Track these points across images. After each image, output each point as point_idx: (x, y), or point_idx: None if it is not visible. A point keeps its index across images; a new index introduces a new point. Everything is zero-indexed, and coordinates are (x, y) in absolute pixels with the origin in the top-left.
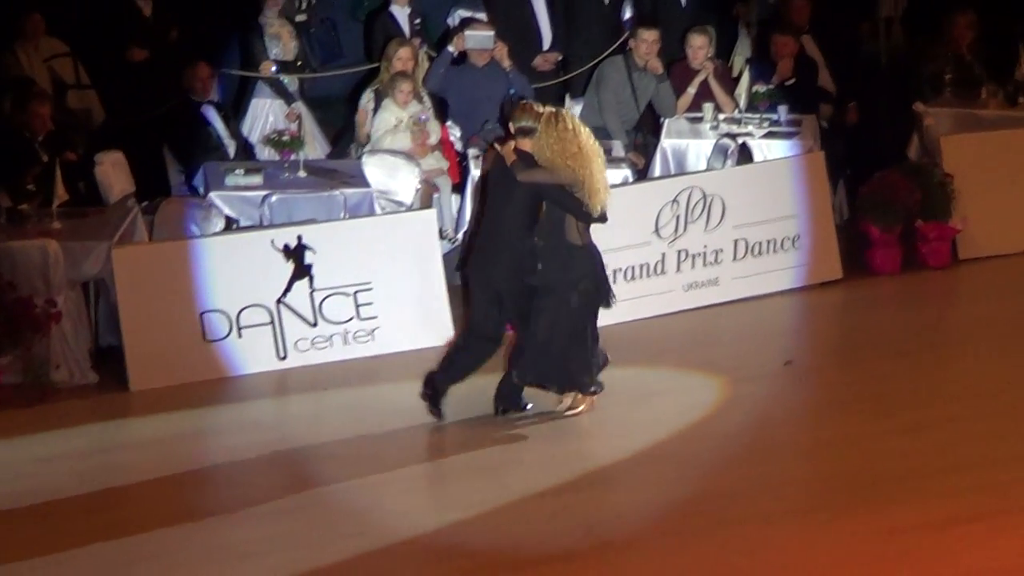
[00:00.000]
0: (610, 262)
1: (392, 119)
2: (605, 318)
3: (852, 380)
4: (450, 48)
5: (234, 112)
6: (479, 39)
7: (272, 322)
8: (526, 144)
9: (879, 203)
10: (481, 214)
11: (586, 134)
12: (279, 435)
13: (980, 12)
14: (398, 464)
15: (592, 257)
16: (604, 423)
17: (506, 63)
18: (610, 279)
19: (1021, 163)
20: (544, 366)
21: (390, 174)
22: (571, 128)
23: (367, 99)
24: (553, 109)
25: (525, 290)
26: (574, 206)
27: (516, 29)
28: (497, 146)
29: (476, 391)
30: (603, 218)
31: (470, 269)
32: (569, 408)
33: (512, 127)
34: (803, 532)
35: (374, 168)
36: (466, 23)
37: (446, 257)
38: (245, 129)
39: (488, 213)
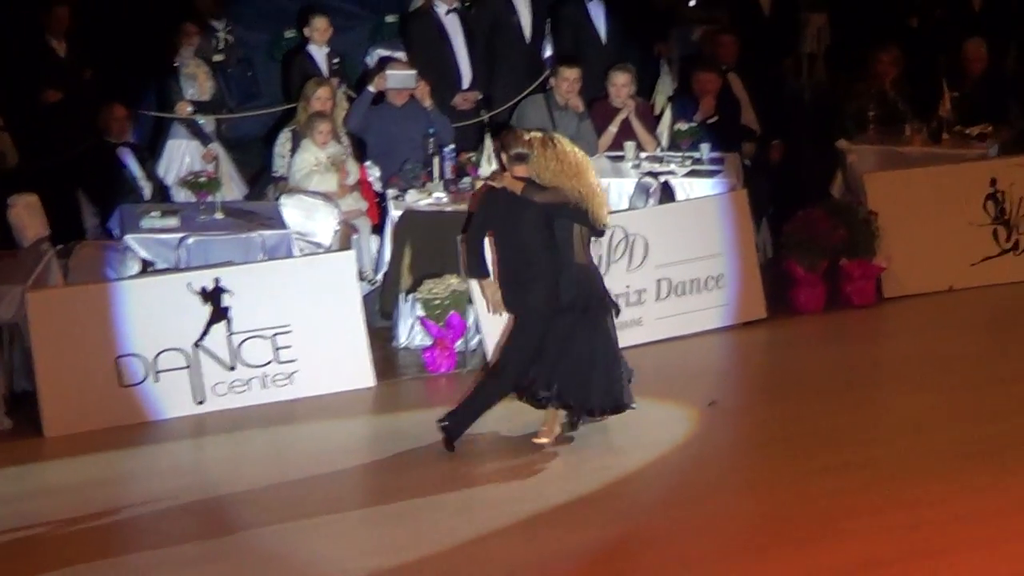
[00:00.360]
0: None
1: (311, 160)
2: None
3: (776, 420)
4: (370, 88)
5: (150, 154)
6: (401, 78)
7: (189, 366)
8: (522, 170)
9: (803, 241)
10: (499, 255)
11: (578, 151)
12: (197, 480)
13: (903, 48)
14: (320, 509)
15: (597, 273)
16: (526, 469)
17: (427, 102)
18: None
19: (945, 200)
20: (592, 389)
21: (308, 215)
22: (564, 147)
23: (284, 140)
24: (542, 133)
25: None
26: (588, 220)
27: (435, 68)
28: (493, 182)
29: (403, 432)
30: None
31: (511, 308)
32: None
33: (505, 156)
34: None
35: (292, 209)
36: (385, 62)
37: (366, 299)
38: (161, 171)
39: (508, 249)
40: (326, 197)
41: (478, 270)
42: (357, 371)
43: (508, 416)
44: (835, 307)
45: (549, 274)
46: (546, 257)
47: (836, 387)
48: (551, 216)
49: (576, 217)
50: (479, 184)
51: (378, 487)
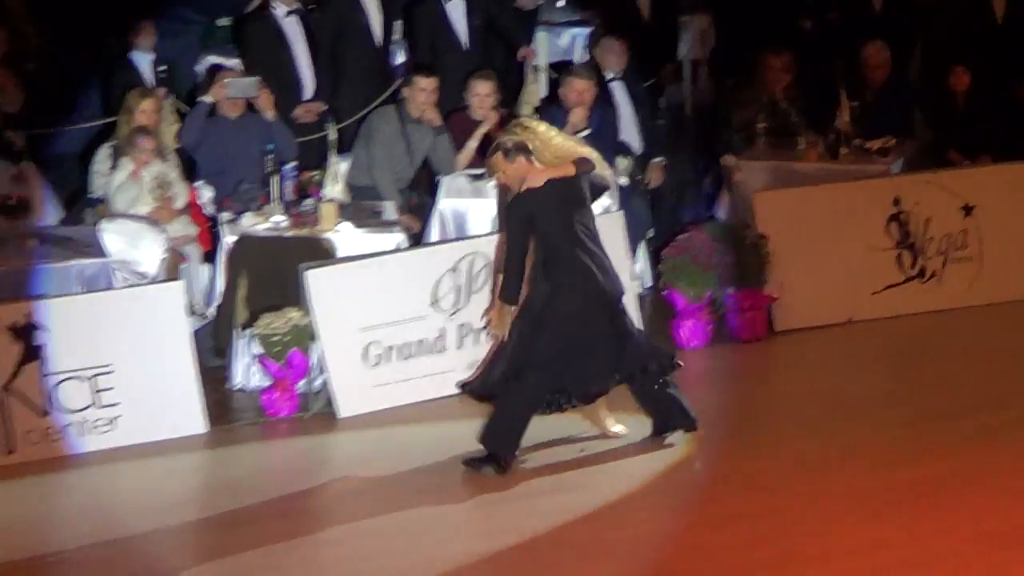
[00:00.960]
0: (382, 338)
1: (126, 179)
2: (375, 402)
3: (656, 469)
4: (207, 98)
5: None
6: (242, 86)
7: None
8: (525, 163)
9: (685, 268)
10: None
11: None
12: (2, 543)
13: (796, 53)
14: (145, 570)
15: None
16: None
17: (270, 113)
18: (383, 360)
19: (843, 222)
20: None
21: (131, 242)
22: (539, 122)
23: (103, 157)
24: (513, 120)
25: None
26: (604, 181)
27: (274, 76)
28: (518, 184)
29: (239, 484)
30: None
31: (599, 296)
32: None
33: (502, 157)
34: None
35: (113, 235)
36: (216, 71)
37: (197, 335)
38: None
39: (577, 234)
40: (151, 221)
41: (517, 294)
42: (187, 416)
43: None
44: (721, 342)
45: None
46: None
47: (725, 431)
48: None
49: (602, 184)
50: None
51: (211, 546)
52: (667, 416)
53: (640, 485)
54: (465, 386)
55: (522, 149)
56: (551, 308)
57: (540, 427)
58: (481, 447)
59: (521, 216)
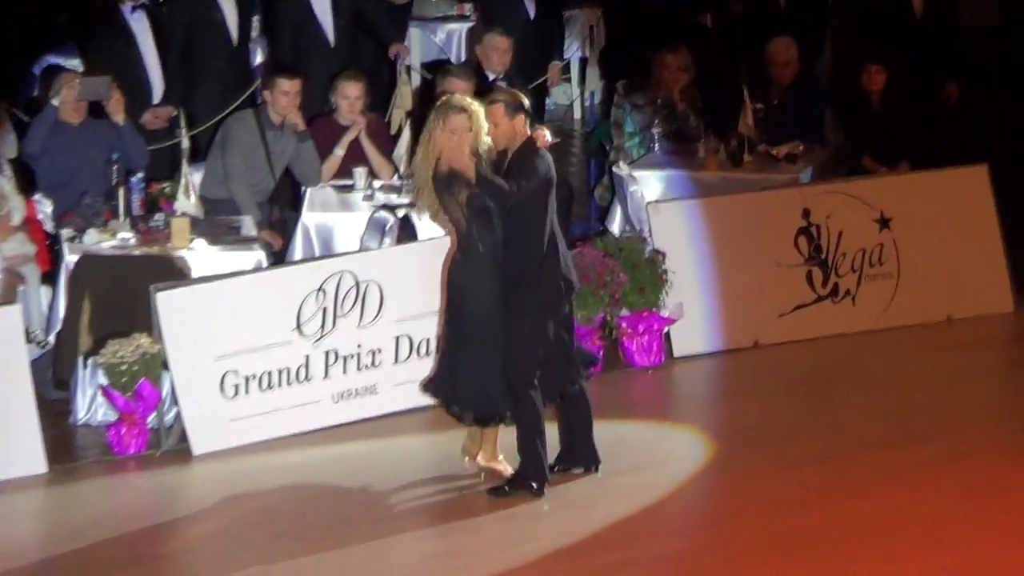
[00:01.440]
0: (240, 367)
1: None
2: (233, 438)
3: (542, 515)
4: (54, 101)
5: None
6: (93, 87)
7: None
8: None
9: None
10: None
11: None
12: None
13: (695, 50)
14: None
15: None
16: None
17: (120, 118)
18: (241, 391)
19: (748, 236)
20: None
21: None
22: None
23: None
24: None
25: None
26: None
27: (120, 78)
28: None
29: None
30: None
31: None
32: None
33: (505, 109)
34: None
35: None
36: (54, 72)
37: (35, 364)
38: None
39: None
40: None
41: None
42: (24, 454)
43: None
44: (614, 368)
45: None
46: None
47: (616, 467)
48: None
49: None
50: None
51: None
52: (577, 449)
53: (523, 532)
54: (463, 408)
55: (521, 108)
56: (541, 302)
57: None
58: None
59: (542, 174)
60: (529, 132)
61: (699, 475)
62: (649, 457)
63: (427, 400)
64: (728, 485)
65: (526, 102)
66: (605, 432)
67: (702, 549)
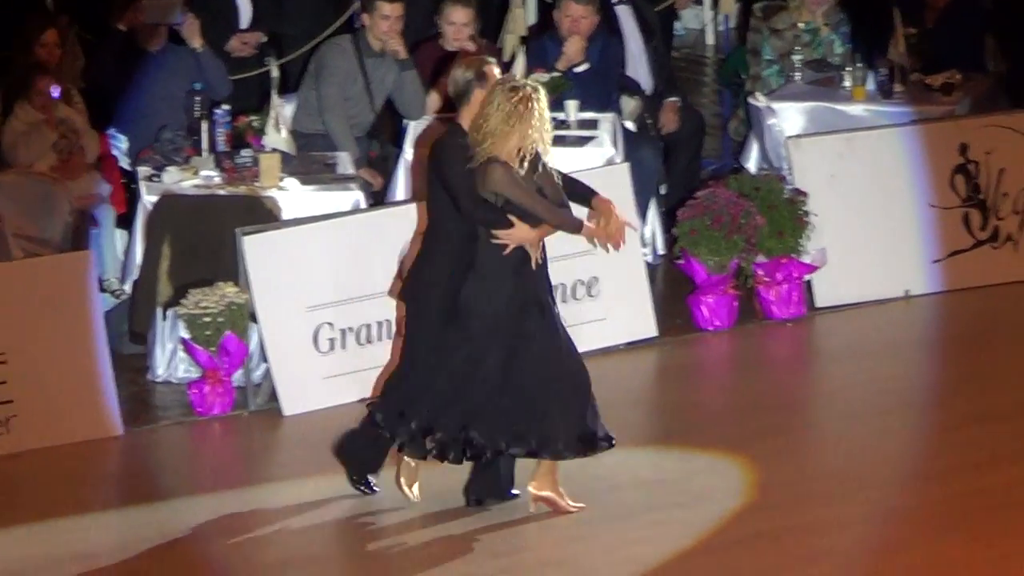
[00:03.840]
0: (336, 319)
1: (24, 128)
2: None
3: (678, 478)
4: (121, 26)
5: None
6: (162, 10)
7: None
8: None
9: (705, 232)
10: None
11: None
12: None
13: None
14: None
15: None
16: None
17: (197, 43)
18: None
19: (898, 175)
20: None
21: (28, 204)
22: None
23: None
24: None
25: None
26: None
27: (202, 1)
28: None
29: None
30: None
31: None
32: None
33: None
34: None
35: (5, 196)
36: None
37: (109, 316)
38: None
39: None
40: (54, 179)
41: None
42: (97, 415)
43: None
44: (749, 321)
45: None
46: None
47: (754, 429)
48: None
49: None
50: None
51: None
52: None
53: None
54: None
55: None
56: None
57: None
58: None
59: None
60: None
61: (842, 437)
62: (785, 417)
63: None
64: (874, 447)
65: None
66: (739, 391)
67: (850, 517)
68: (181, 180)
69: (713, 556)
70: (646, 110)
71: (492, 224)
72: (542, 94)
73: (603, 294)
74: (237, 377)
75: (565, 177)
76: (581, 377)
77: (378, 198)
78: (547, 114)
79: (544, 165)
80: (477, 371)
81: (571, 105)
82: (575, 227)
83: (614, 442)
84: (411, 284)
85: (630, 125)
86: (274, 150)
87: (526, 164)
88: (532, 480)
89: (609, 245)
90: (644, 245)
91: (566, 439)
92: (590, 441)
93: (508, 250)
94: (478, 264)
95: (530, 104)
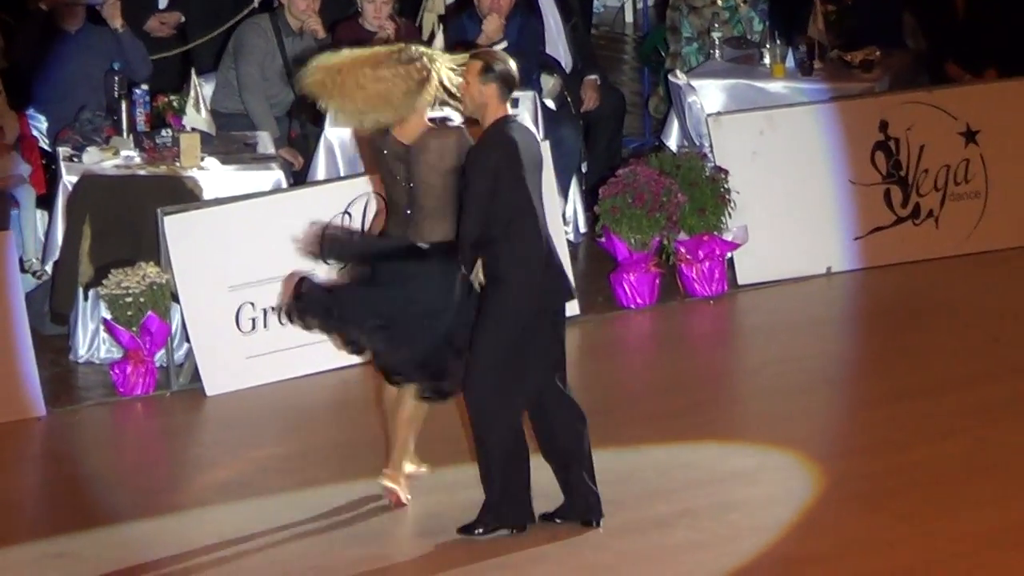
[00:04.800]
0: (258, 299)
1: None
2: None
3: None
4: (42, 5)
5: None
6: None
7: None
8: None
9: (626, 210)
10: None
11: None
12: None
13: None
14: None
15: None
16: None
17: (117, 22)
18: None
19: (819, 152)
20: None
21: None
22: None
23: None
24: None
25: None
26: None
27: None
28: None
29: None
30: None
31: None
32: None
33: (498, 74)
34: None
35: None
36: None
37: (30, 297)
38: None
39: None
40: None
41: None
42: (19, 396)
43: None
44: (671, 299)
45: None
46: None
47: (680, 407)
48: None
49: None
50: None
51: (53, 554)
52: None
53: None
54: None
55: (504, 79)
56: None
57: None
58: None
59: (487, 167)
60: (509, 110)
61: (764, 415)
62: (709, 395)
63: None
64: (807, 425)
65: (509, 70)
66: (659, 369)
67: (778, 495)
68: (101, 160)
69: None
70: (566, 88)
71: None
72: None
73: None
74: (159, 357)
75: None
76: None
77: (299, 177)
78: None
79: None
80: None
81: None
82: None
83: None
84: None
85: (550, 103)
86: (194, 130)
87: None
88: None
89: None
90: (565, 223)
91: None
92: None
93: None
94: None
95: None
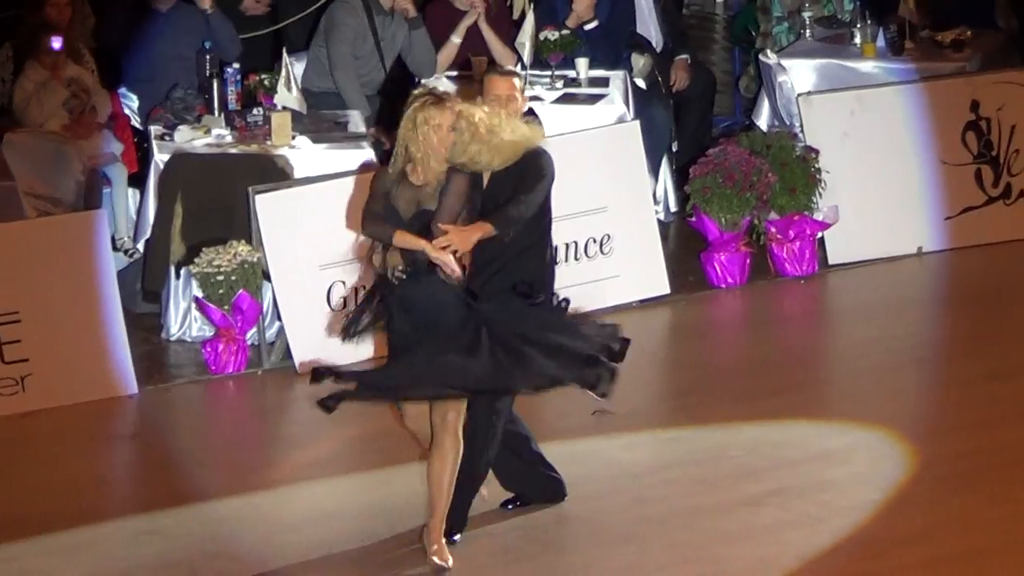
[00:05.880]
0: (348, 277)
1: (34, 87)
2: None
3: (685, 440)
4: None
5: None
6: None
7: None
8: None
9: (717, 190)
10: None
11: None
12: None
13: None
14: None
15: None
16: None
17: (206, 3)
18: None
19: (909, 132)
20: None
21: (40, 163)
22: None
23: (4, 59)
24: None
25: None
26: None
27: None
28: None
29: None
30: None
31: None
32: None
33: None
34: None
35: (17, 155)
36: None
37: (122, 275)
38: None
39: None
40: (66, 138)
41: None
42: (112, 374)
43: None
44: (761, 278)
45: None
46: None
47: (769, 387)
48: None
49: None
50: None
51: (149, 533)
52: None
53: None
54: None
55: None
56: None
57: None
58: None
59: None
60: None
61: (852, 395)
62: (797, 375)
63: None
64: (896, 405)
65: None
66: (750, 348)
67: (879, 473)
68: (193, 139)
69: (725, 514)
70: (656, 67)
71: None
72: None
73: (616, 252)
74: (251, 335)
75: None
76: None
77: (390, 156)
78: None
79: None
80: None
81: (581, 63)
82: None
83: None
84: None
85: (640, 82)
86: (285, 108)
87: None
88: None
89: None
90: (656, 203)
91: None
92: None
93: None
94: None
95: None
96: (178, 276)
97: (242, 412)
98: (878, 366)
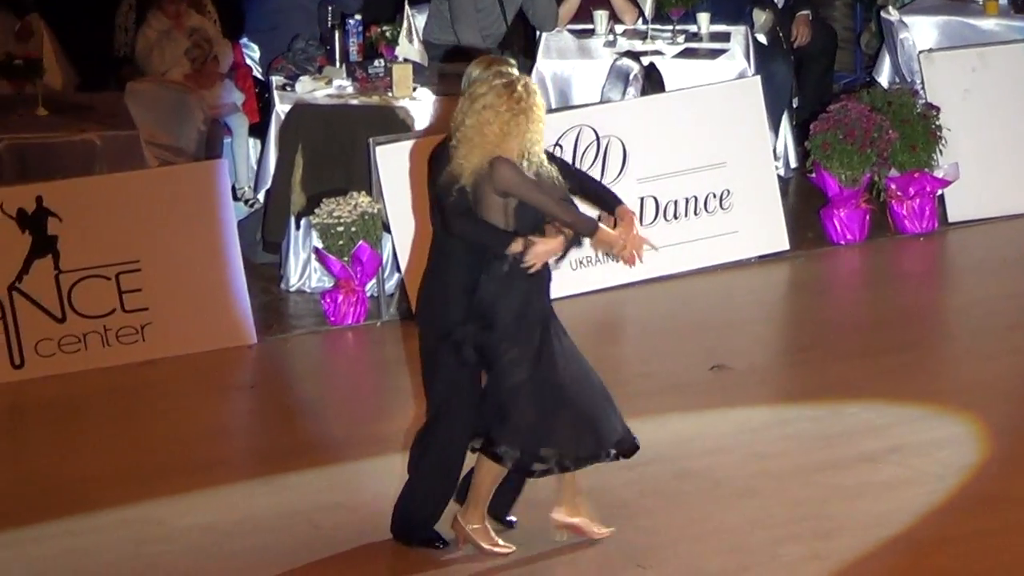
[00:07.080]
0: None
1: (156, 36)
2: None
3: (804, 392)
4: None
5: None
6: None
7: (3, 317)
8: None
9: (837, 146)
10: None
11: None
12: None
13: None
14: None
15: None
16: None
17: None
18: None
19: (1016, 89)
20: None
21: (162, 112)
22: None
23: (126, 9)
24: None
25: None
26: None
27: None
28: None
29: (299, 408)
30: None
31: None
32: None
33: None
34: None
35: (139, 105)
36: None
37: (242, 225)
38: None
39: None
40: (187, 87)
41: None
42: (232, 323)
43: None
44: (882, 235)
45: None
46: None
47: (889, 344)
48: None
49: None
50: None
51: (267, 478)
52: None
53: (781, 415)
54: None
55: None
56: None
57: None
58: None
59: None
60: None
61: (982, 352)
62: (919, 332)
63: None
64: (1017, 365)
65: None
66: (870, 305)
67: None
68: (314, 90)
69: (844, 471)
70: (778, 23)
71: (474, 236)
72: (534, 87)
73: (735, 207)
74: (370, 287)
75: (577, 173)
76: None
77: None
78: (543, 109)
79: (542, 162)
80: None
81: (703, 18)
82: (590, 229)
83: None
84: (425, 308)
85: (762, 38)
86: (406, 60)
87: (525, 164)
88: (559, 507)
89: (621, 260)
90: (776, 159)
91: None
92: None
93: (535, 268)
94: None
95: (526, 102)
96: (298, 227)
97: (360, 364)
98: (997, 324)
